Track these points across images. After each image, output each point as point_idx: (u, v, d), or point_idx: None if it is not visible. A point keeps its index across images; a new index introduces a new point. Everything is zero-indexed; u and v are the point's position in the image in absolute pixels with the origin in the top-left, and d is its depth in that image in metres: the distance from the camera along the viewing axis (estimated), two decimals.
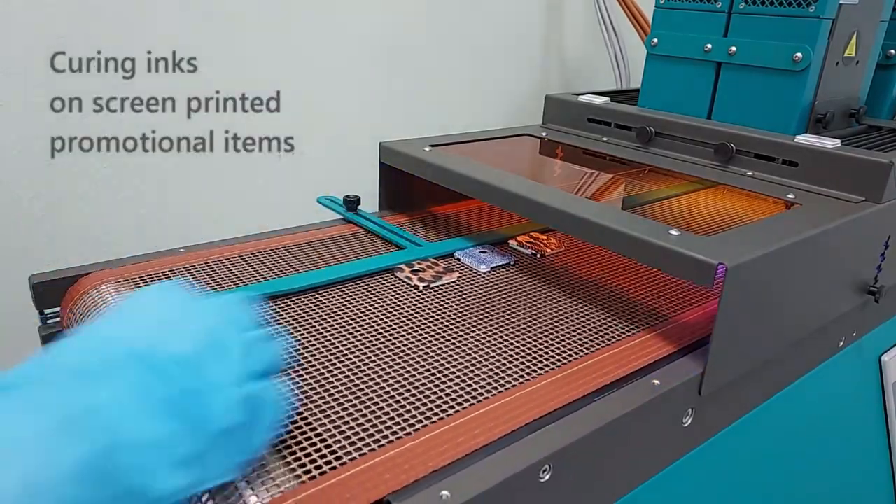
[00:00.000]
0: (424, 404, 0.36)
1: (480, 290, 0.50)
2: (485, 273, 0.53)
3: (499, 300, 0.48)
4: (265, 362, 0.30)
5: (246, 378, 0.28)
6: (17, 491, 0.21)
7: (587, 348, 0.42)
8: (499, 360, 0.40)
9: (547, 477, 0.32)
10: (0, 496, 0.20)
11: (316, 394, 0.36)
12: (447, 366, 0.39)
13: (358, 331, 0.43)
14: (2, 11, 0.64)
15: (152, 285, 0.33)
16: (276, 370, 0.31)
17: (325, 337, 0.42)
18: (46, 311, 0.48)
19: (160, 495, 0.24)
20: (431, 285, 0.49)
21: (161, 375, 0.26)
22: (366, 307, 0.46)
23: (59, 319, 0.48)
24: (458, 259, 0.55)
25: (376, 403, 0.36)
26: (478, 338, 0.43)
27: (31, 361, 0.26)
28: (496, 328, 0.44)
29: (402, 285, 0.50)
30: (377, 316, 0.45)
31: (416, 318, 0.45)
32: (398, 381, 0.38)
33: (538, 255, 0.56)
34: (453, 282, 0.51)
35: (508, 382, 0.38)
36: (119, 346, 0.26)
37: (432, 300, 0.47)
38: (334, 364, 0.39)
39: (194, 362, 0.27)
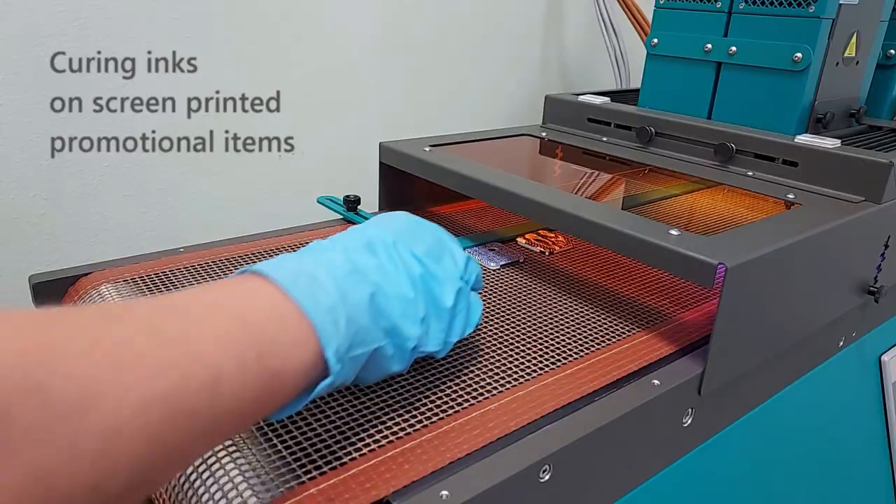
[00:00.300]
0: (425, 404, 0.36)
1: (488, 287, 0.50)
2: (494, 270, 0.53)
3: (503, 299, 0.48)
4: (474, 276, 0.39)
5: (463, 280, 0.37)
6: (328, 311, 0.29)
7: (587, 348, 0.42)
8: (499, 360, 0.40)
9: (547, 477, 0.32)
10: (317, 317, 0.28)
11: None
12: (448, 365, 0.39)
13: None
14: (2, 11, 0.64)
15: (387, 212, 0.40)
16: (480, 287, 0.40)
17: None
18: None
19: (406, 338, 0.32)
20: None
21: (414, 258, 0.34)
22: None
23: None
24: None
25: (376, 403, 0.36)
26: (480, 337, 0.43)
27: (330, 238, 0.35)
28: (498, 327, 0.44)
29: None
30: None
31: None
32: (399, 381, 0.38)
33: (547, 253, 0.57)
34: None
35: (509, 382, 0.38)
36: (384, 237, 0.35)
37: None
38: None
39: (433, 256, 0.36)
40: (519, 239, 0.59)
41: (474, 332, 0.43)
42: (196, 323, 0.25)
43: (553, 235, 0.60)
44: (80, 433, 0.20)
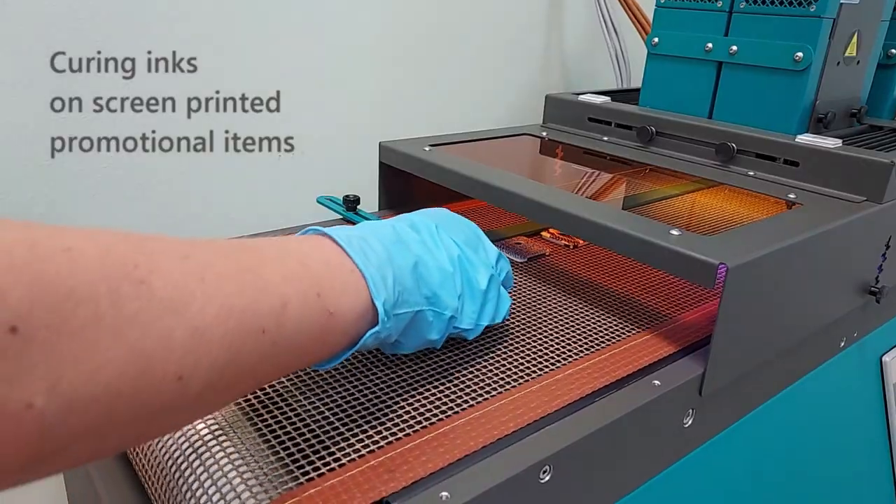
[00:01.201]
0: (424, 405, 0.36)
1: None
2: (522, 263, 0.55)
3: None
4: (504, 272, 0.41)
5: (495, 270, 0.39)
6: (377, 269, 0.32)
7: (588, 348, 0.42)
8: (500, 360, 0.40)
9: (547, 478, 0.32)
10: (368, 271, 0.31)
11: (315, 396, 0.36)
12: (447, 365, 0.39)
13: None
14: (1, 12, 0.64)
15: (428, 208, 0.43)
16: (510, 285, 0.43)
17: None
18: None
19: (445, 306, 0.35)
20: None
21: (453, 241, 0.38)
22: None
23: None
24: None
25: (375, 405, 0.36)
26: (480, 337, 0.43)
27: (386, 220, 0.38)
28: (499, 328, 0.44)
29: None
30: None
31: None
32: (398, 381, 0.38)
33: (571, 247, 0.58)
34: None
35: (509, 383, 0.38)
36: (427, 222, 0.38)
37: None
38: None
39: (470, 245, 0.39)
40: (543, 233, 0.61)
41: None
42: (267, 260, 0.28)
43: None
44: (173, 327, 0.23)
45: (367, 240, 0.33)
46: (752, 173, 0.60)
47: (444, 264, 0.36)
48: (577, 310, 0.47)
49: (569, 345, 0.42)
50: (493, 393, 0.37)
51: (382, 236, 0.34)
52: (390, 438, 0.33)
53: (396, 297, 0.32)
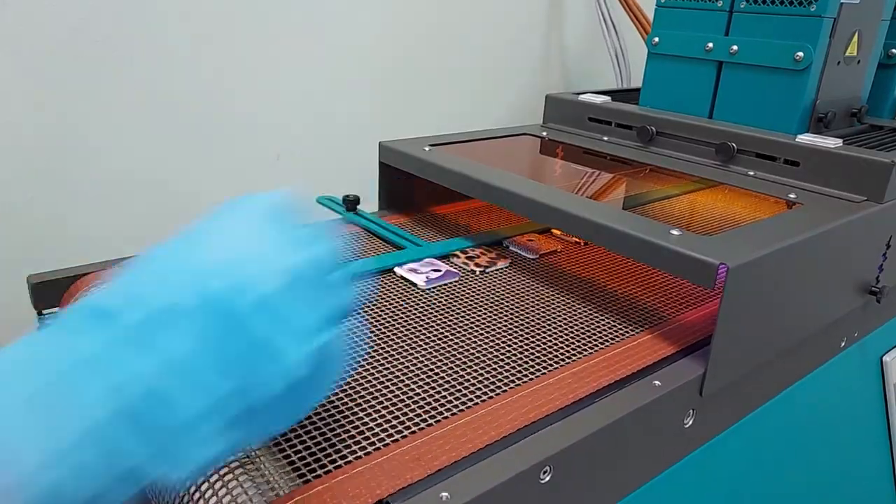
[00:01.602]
0: (422, 406, 0.35)
1: (492, 285, 0.50)
2: (533, 260, 0.55)
3: (505, 298, 0.48)
4: (341, 306, 0.28)
5: (322, 324, 0.26)
6: (42, 456, 0.20)
7: (588, 348, 0.42)
8: (501, 360, 0.40)
9: (547, 478, 0.32)
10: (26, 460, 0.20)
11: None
12: (448, 367, 0.39)
13: (361, 331, 0.43)
14: (1, 12, 0.64)
15: (239, 200, 0.30)
16: (349, 313, 0.30)
17: None
18: (45, 312, 0.48)
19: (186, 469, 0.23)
20: (487, 270, 0.52)
21: (232, 325, 0.23)
22: (366, 307, 0.46)
23: None
24: (507, 247, 0.58)
25: (373, 407, 0.35)
26: (481, 337, 0.43)
27: (104, 296, 0.23)
28: (500, 328, 0.44)
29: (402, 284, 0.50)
30: (380, 316, 0.45)
31: (416, 318, 0.45)
32: (400, 382, 0.37)
33: (582, 244, 0.59)
34: (506, 267, 0.54)
35: (510, 383, 0.38)
36: (194, 285, 0.24)
37: (436, 301, 0.47)
38: None
39: (274, 306, 0.24)
40: (554, 230, 0.61)
41: (476, 333, 0.43)
42: None
43: None
44: None
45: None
46: (752, 173, 0.60)
47: (198, 399, 0.22)
48: (579, 309, 0.47)
49: (570, 345, 0.42)
50: (494, 393, 0.37)
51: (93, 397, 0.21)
52: (388, 440, 0.33)
53: None
